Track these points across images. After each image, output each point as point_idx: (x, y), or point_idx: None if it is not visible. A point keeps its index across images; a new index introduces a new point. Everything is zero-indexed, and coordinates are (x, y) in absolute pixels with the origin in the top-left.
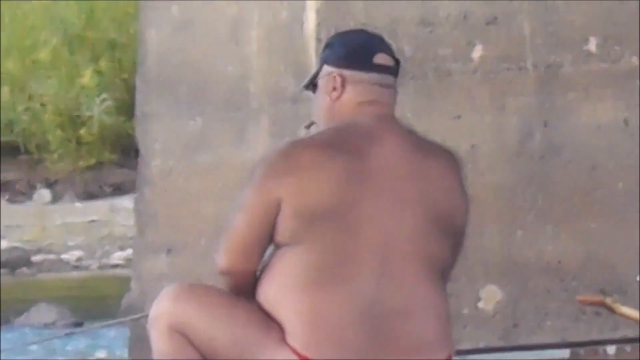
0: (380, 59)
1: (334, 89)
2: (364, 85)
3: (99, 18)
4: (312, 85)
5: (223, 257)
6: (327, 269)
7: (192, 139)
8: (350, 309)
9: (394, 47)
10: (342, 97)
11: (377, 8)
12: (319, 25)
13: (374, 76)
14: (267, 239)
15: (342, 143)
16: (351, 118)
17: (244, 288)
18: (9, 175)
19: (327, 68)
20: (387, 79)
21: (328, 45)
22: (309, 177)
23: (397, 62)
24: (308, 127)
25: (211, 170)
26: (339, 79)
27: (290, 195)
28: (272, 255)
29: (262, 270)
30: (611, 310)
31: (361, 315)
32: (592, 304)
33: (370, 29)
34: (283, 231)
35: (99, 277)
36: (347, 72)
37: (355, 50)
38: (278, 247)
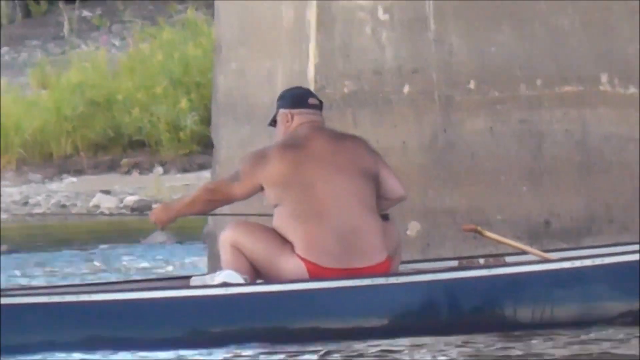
0: (312, 100)
1: (287, 120)
2: (303, 115)
3: (191, 69)
4: (274, 121)
5: (217, 182)
6: (308, 211)
7: (243, 138)
8: (328, 232)
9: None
10: (292, 124)
11: (350, 64)
12: (315, 74)
13: (309, 110)
14: (244, 197)
15: (291, 143)
16: (296, 132)
17: (209, 206)
18: (139, 158)
19: (282, 110)
20: (316, 111)
21: (281, 98)
22: (273, 164)
23: (320, 102)
24: None
25: None
26: (289, 115)
27: (265, 179)
28: (275, 209)
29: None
30: (481, 234)
31: (335, 235)
32: (470, 231)
33: (303, 86)
34: (271, 198)
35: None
36: (294, 110)
37: (297, 97)
38: (275, 206)
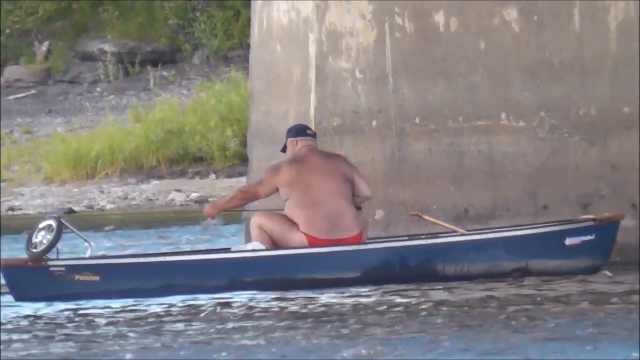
0: (309, 132)
1: (293, 145)
2: (303, 141)
3: (234, 109)
4: (284, 147)
5: (248, 185)
6: (307, 202)
7: (267, 155)
8: (321, 215)
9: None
10: (297, 147)
11: (337, 106)
12: (315, 113)
13: (307, 138)
14: (266, 195)
15: (296, 159)
16: (299, 152)
17: (243, 202)
18: (199, 168)
19: (289, 139)
20: (312, 138)
21: (289, 131)
22: (284, 173)
23: (314, 133)
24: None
25: None
26: (295, 142)
27: (279, 182)
28: (286, 202)
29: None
30: (422, 218)
31: (325, 218)
32: (414, 215)
33: (303, 123)
34: (283, 195)
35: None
36: (297, 138)
37: (299, 130)
38: (286, 200)
